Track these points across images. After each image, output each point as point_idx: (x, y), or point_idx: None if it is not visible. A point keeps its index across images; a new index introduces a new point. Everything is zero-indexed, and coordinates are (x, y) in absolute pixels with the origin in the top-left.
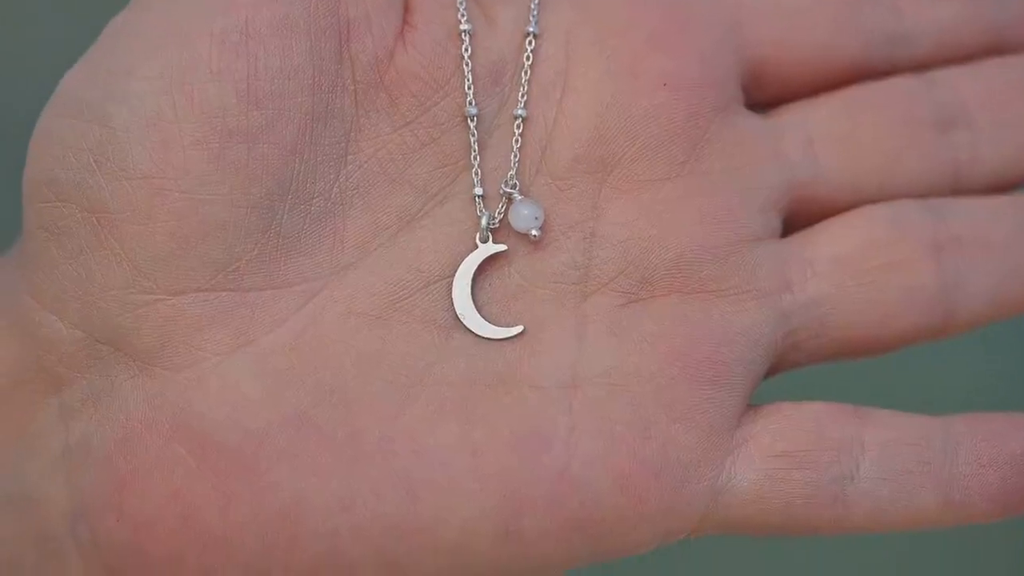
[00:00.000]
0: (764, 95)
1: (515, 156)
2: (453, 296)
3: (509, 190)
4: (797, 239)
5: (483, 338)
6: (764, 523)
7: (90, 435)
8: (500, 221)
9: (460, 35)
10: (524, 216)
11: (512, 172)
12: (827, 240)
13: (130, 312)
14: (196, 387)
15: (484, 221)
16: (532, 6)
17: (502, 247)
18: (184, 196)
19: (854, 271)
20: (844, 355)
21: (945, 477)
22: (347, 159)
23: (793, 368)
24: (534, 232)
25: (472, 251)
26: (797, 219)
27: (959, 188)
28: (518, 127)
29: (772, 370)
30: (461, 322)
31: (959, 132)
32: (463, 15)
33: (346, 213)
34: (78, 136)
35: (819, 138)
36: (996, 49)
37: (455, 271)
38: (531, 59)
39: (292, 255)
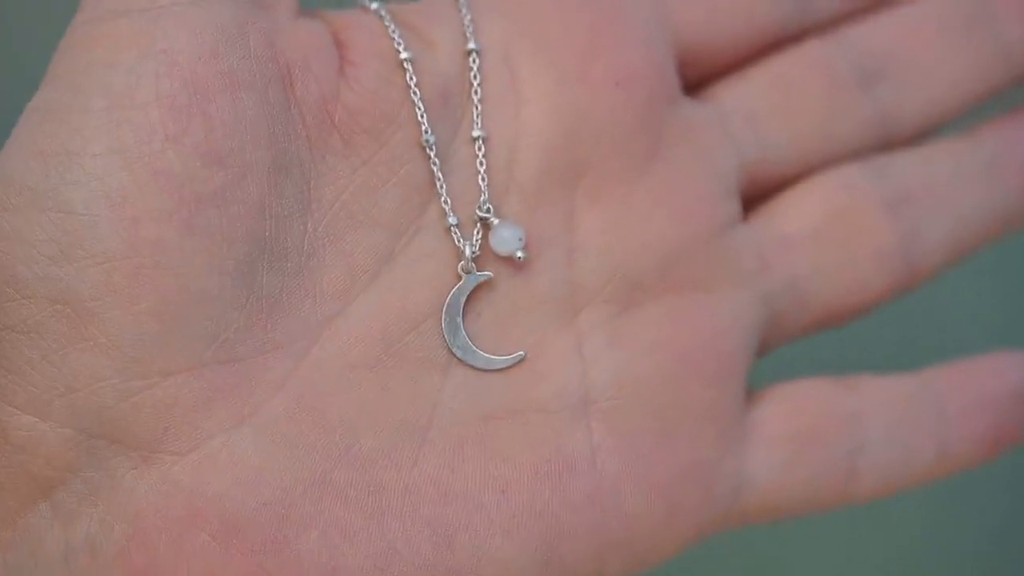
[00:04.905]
0: (693, 77)
1: (483, 179)
2: (444, 332)
3: (484, 215)
4: (763, 217)
5: (484, 370)
6: (783, 507)
7: (94, 534)
8: (480, 248)
9: (402, 64)
10: (506, 239)
11: (485, 196)
12: (793, 215)
13: (125, 401)
14: (207, 468)
15: (467, 251)
16: (466, 23)
17: (488, 275)
18: (164, 272)
19: (824, 243)
20: (824, 326)
21: (940, 433)
22: (311, 208)
23: (777, 347)
24: (519, 254)
25: (456, 283)
26: (751, 198)
27: (890, 141)
28: (479, 148)
29: (759, 352)
30: (457, 357)
31: (880, 86)
32: (399, 43)
33: (321, 264)
34: (36, 227)
35: (759, 114)
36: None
37: (442, 307)
38: (478, 77)
39: (276, 316)
